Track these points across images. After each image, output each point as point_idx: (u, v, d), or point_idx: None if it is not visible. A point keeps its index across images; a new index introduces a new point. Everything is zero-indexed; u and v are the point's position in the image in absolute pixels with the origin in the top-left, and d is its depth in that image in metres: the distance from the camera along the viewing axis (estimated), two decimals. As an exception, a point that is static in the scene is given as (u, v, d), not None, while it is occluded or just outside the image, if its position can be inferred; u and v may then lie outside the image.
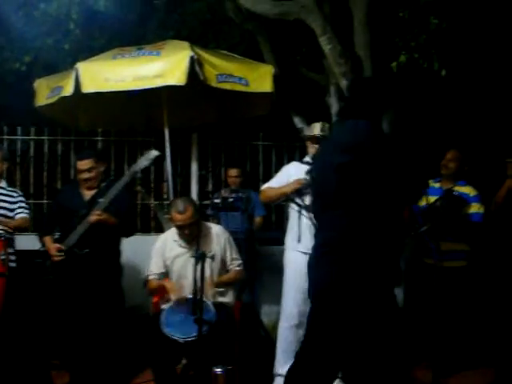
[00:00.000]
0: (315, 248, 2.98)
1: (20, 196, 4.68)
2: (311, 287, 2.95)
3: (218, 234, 4.06)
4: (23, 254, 4.52)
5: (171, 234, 4.09)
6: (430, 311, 4.36)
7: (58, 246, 4.17)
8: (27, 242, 4.64)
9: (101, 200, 4.14)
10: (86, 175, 4.26)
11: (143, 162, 4.29)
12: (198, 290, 3.36)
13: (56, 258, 4.15)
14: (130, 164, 4.38)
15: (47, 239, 4.26)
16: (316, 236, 3.06)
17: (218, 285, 3.96)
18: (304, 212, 4.09)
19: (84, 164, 4.25)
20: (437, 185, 4.77)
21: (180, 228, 3.90)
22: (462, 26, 5.01)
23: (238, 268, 4.11)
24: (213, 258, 3.69)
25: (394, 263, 2.88)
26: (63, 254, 4.15)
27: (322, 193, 2.99)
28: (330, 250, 2.85)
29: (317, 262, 2.92)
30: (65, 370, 4.24)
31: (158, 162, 6.15)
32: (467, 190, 4.70)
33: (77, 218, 4.16)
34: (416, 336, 4.46)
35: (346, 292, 2.80)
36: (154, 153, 4.31)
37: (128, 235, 4.41)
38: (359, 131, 2.91)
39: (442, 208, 4.47)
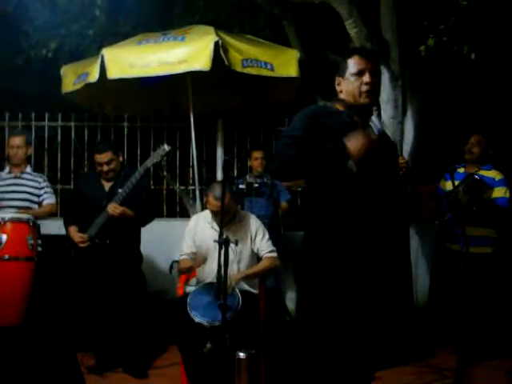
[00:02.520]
0: None
1: (45, 181, 4.74)
2: None
3: (250, 223, 4.01)
4: (50, 239, 4.57)
5: (205, 214, 4.08)
6: (456, 298, 4.32)
7: (81, 235, 4.23)
8: (54, 226, 4.70)
9: (119, 191, 4.18)
10: (105, 168, 4.29)
11: (155, 157, 4.28)
12: (222, 275, 3.36)
13: (81, 245, 4.21)
14: (156, 150, 4.39)
15: (72, 229, 4.29)
16: None
17: (250, 276, 3.89)
18: None
19: (103, 157, 4.28)
20: (461, 170, 4.70)
21: (214, 213, 3.90)
22: (491, 7, 4.89)
23: (269, 255, 3.99)
24: (236, 243, 3.66)
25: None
26: (87, 243, 4.22)
27: None
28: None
29: None
30: (91, 352, 4.31)
31: (184, 147, 6.19)
32: (493, 174, 4.62)
33: (97, 209, 4.21)
34: (442, 323, 4.42)
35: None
36: (166, 148, 4.30)
37: (144, 225, 4.42)
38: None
39: (463, 192, 4.42)
